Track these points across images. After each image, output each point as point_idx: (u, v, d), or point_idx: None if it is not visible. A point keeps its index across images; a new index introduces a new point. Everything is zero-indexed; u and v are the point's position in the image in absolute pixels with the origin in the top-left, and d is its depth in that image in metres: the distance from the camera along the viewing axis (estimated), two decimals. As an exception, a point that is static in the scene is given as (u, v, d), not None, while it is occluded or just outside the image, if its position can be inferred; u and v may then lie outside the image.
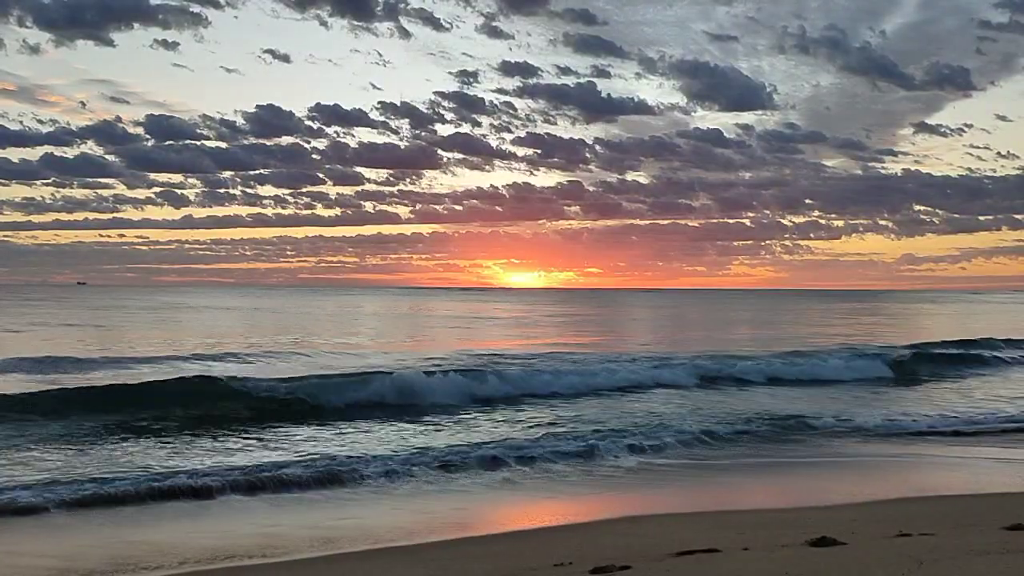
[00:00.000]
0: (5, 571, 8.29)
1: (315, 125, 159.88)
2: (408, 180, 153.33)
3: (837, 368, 27.61)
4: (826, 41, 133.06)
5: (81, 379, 22.10)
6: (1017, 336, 38.92)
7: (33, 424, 16.07)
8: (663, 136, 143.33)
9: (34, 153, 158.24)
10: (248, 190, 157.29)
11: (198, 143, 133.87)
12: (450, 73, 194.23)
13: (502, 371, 23.45)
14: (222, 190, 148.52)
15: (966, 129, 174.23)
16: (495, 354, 30.14)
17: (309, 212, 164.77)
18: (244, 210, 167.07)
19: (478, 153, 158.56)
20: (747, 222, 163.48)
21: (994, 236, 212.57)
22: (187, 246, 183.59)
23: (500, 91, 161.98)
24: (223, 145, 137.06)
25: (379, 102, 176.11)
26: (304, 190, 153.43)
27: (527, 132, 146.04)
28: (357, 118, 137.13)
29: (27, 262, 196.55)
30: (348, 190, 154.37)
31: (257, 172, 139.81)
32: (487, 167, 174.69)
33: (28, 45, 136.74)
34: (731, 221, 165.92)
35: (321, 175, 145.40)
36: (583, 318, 72.67)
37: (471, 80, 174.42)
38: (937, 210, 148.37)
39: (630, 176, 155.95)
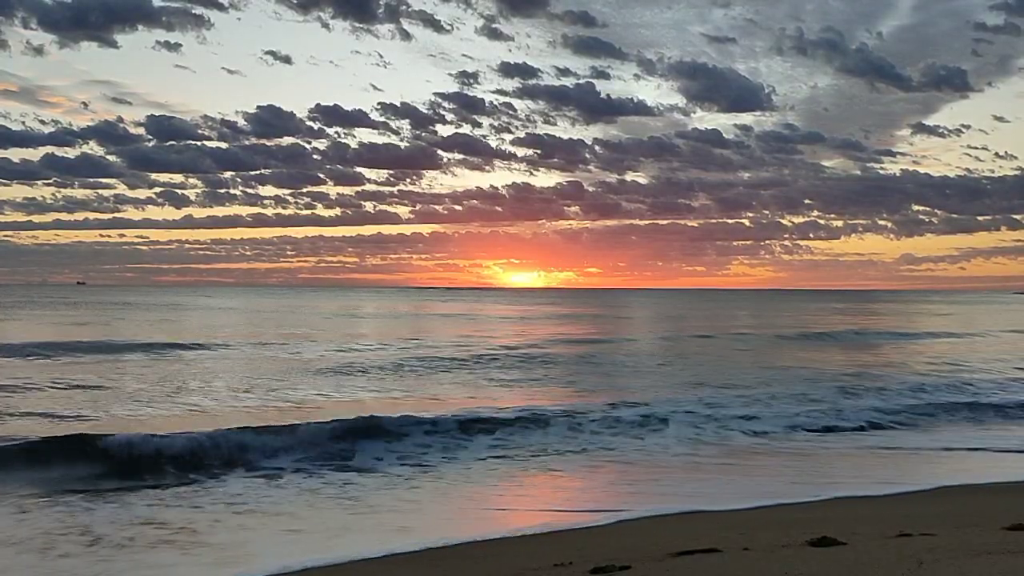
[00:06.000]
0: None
1: (316, 126, 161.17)
2: (408, 180, 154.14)
3: None
4: (823, 43, 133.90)
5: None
6: None
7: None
8: (662, 137, 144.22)
9: (36, 153, 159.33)
10: (248, 190, 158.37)
11: (199, 143, 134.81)
12: (450, 74, 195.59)
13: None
14: (223, 190, 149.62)
15: (964, 130, 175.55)
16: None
17: (309, 212, 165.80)
18: (244, 210, 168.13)
19: (478, 153, 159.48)
20: (746, 222, 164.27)
21: (993, 236, 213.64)
22: (187, 246, 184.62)
23: (500, 92, 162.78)
24: (224, 145, 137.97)
25: (379, 103, 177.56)
26: (304, 190, 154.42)
27: (527, 133, 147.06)
28: (358, 119, 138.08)
29: (27, 262, 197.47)
30: (348, 190, 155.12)
31: (258, 172, 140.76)
32: (487, 167, 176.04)
33: (32, 46, 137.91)
34: (730, 221, 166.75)
35: (321, 175, 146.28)
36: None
37: (471, 81, 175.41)
38: (936, 210, 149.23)
39: (629, 176, 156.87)
